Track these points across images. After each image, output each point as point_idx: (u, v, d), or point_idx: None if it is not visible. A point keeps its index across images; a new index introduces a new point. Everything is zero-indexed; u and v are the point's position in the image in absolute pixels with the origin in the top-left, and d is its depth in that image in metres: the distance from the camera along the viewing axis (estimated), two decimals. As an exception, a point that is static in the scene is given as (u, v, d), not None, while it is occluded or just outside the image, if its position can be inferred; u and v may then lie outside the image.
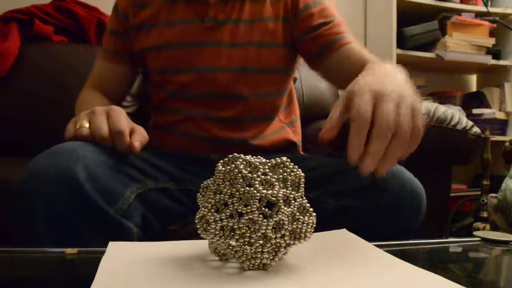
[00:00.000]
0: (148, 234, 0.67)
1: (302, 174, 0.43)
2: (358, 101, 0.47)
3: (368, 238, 0.50)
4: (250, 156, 0.42)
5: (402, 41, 1.90)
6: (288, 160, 0.43)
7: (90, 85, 0.92)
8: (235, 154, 0.43)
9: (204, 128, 0.84)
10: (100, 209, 0.58)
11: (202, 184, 0.43)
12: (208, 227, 0.39)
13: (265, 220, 0.39)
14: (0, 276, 0.45)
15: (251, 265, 0.40)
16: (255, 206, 0.39)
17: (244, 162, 0.41)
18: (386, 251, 0.46)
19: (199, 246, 0.48)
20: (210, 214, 0.39)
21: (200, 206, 0.41)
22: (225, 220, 0.39)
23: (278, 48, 0.86)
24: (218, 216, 0.39)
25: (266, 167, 0.42)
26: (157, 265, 0.41)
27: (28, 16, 1.48)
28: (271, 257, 0.40)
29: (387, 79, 0.51)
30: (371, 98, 0.47)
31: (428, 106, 1.17)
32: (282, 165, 0.42)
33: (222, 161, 0.43)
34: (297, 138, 0.96)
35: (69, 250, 0.48)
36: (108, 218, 0.59)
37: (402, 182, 0.64)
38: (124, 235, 0.63)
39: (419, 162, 1.05)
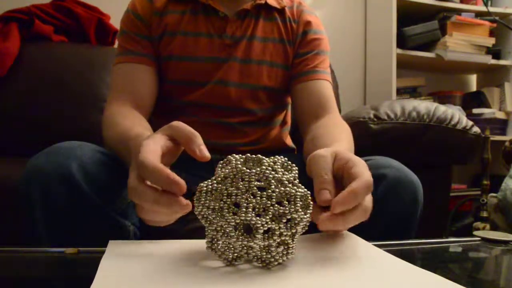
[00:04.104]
0: (147, 233, 0.67)
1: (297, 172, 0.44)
2: (366, 176, 0.45)
3: (368, 238, 0.50)
4: (258, 155, 0.42)
5: (402, 41, 1.90)
6: (285, 158, 0.43)
7: (117, 96, 0.80)
8: (248, 154, 0.43)
9: (208, 132, 0.84)
10: (96, 206, 0.58)
11: (201, 188, 0.41)
12: (254, 233, 0.38)
13: (305, 217, 0.40)
14: (0, 276, 0.45)
15: (273, 263, 0.40)
16: (298, 205, 0.39)
17: (267, 163, 0.41)
18: (386, 251, 0.46)
19: (199, 245, 0.48)
20: (255, 219, 0.38)
21: (232, 210, 0.39)
22: (270, 223, 0.39)
23: (284, 70, 0.89)
24: (264, 220, 0.38)
25: (279, 166, 0.42)
26: (158, 265, 0.41)
27: (28, 16, 1.48)
28: (292, 252, 0.41)
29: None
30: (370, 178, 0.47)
31: (428, 106, 1.17)
32: (285, 164, 0.43)
33: (239, 162, 0.42)
34: (291, 143, 0.99)
35: (69, 250, 0.48)
36: (105, 216, 0.60)
37: (398, 171, 0.65)
38: (121, 233, 0.63)
39: (419, 162, 1.05)
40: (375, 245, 0.48)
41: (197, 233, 0.57)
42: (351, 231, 0.52)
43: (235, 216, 0.39)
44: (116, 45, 1.51)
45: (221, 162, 0.43)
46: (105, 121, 0.75)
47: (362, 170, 0.46)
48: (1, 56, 1.36)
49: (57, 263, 0.48)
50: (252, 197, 0.39)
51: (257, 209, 0.39)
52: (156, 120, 0.87)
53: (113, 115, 0.74)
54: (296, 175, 0.43)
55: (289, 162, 0.43)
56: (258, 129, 0.89)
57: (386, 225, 0.63)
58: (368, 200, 0.46)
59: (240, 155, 0.43)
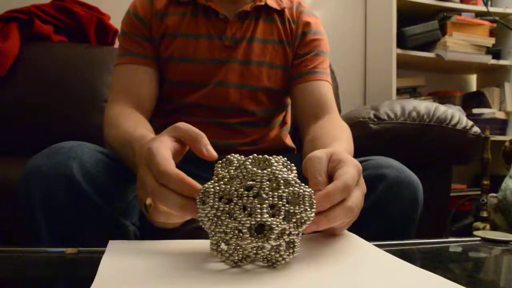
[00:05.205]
0: (147, 233, 0.68)
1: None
2: (345, 178, 0.45)
3: (368, 238, 0.50)
4: (265, 155, 0.42)
5: (402, 41, 1.90)
6: (285, 158, 0.43)
7: (118, 97, 0.80)
8: (255, 155, 0.42)
9: (208, 132, 0.84)
10: (96, 206, 0.58)
11: (207, 189, 0.40)
12: (269, 234, 0.38)
13: (311, 216, 0.40)
14: (0, 276, 0.45)
15: (280, 262, 0.40)
16: (307, 205, 0.40)
17: (276, 163, 0.41)
18: (386, 251, 0.46)
19: (199, 245, 0.48)
20: (270, 220, 0.38)
21: (241, 211, 0.39)
22: (283, 223, 0.39)
23: (284, 71, 0.89)
24: (278, 220, 0.38)
25: (281, 166, 0.42)
26: (158, 265, 0.41)
27: (28, 16, 1.48)
28: (297, 250, 0.41)
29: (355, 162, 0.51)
30: (357, 174, 0.47)
31: (428, 106, 1.17)
32: (285, 164, 0.43)
33: (247, 162, 0.41)
34: (291, 143, 0.99)
35: (69, 250, 0.48)
36: (105, 216, 0.60)
37: (398, 171, 0.65)
38: (121, 233, 0.63)
39: (419, 162, 1.05)
40: (375, 245, 0.48)
41: (197, 233, 0.57)
42: (351, 231, 0.52)
43: (250, 218, 0.38)
44: (116, 45, 1.51)
45: (220, 162, 0.43)
46: (106, 121, 0.75)
47: (345, 171, 0.45)
48: (1, 56, 1.36)
49: (57, 263, 0.48)
50: (264, 197, 0.39)
51: (270, 210, 0.39)
52: (157, 121, 0.87)
53: (115, 116, 0.74)
54: (296, 175, 0.43)
55: (289, 162, 0.43)
56: (257, 129, 0.89)
57: (386, 225, 0.63)
58: (354, 199, 0.45)
59: (238, 154, 0.43)
